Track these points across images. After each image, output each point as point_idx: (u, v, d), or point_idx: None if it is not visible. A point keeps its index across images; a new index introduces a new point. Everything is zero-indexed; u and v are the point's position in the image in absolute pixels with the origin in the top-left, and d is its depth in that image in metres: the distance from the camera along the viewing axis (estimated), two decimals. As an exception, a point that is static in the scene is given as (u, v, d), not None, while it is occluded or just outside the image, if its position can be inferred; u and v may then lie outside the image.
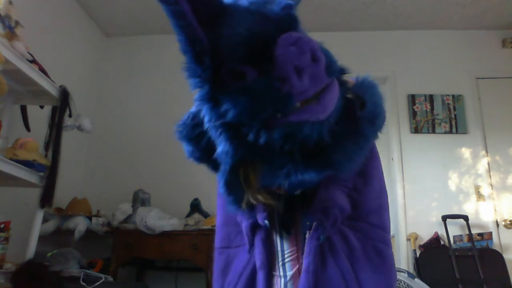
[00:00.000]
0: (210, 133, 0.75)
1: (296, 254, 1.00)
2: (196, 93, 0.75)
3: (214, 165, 0.80)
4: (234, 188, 0.76)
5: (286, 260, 1.00)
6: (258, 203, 0.75)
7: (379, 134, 0.83)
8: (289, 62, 0.64)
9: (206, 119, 0.74)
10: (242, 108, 0.66)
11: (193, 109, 0.85)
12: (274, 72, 0.65)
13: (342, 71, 0.79)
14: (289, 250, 1.00)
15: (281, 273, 0.99)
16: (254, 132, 0.68)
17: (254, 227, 0.99)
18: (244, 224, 1.01)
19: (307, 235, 0.95)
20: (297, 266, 0.99)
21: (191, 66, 0.67)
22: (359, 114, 0.77)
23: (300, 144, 0.71)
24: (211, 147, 0.77)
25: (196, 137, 0.82)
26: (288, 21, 0.71)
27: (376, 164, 1.02)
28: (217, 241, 1.10)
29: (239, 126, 0.69)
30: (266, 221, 0.96)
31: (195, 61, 0.67)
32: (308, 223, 0.96)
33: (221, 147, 0.72)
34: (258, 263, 0.97)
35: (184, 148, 0.86)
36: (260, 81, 0.66)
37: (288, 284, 0.98)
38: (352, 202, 0.95)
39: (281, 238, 1.01)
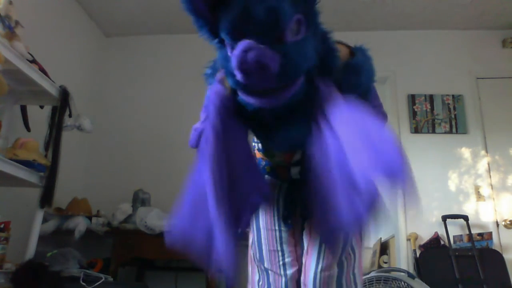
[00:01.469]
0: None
1: (295, 255, 1.01)
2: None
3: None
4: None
5: (286, 260, 1.01)
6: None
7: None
8: (240, 64, 0.76)
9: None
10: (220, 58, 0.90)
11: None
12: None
13: (324, 33, 0.96)
14: (288, 250, 1.01)
15: (282, 272, 1.00)
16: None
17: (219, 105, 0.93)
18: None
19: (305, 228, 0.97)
20: (297, 267, 1.00)
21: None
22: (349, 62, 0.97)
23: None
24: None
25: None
26: None
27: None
28: None
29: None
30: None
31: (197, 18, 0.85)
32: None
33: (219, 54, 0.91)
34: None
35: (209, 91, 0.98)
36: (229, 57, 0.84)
37: (289, 283, 0.98)
38: None
39: (281, 238, 1.02)
